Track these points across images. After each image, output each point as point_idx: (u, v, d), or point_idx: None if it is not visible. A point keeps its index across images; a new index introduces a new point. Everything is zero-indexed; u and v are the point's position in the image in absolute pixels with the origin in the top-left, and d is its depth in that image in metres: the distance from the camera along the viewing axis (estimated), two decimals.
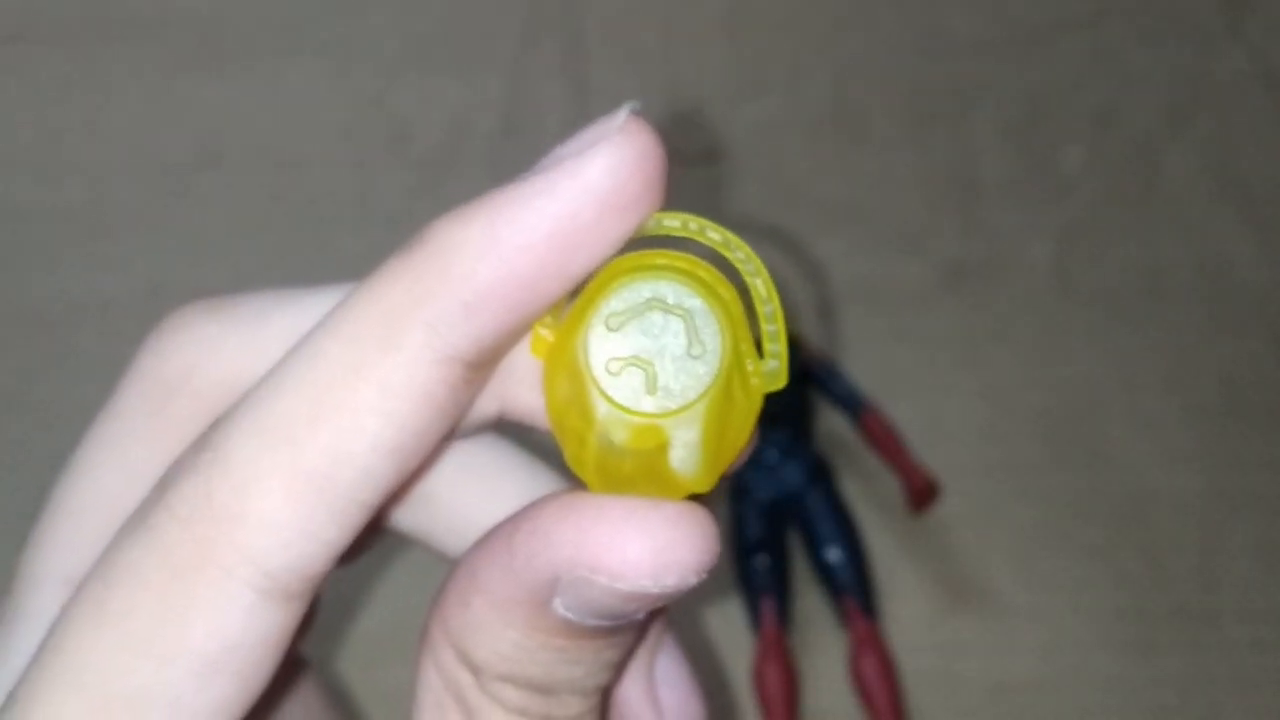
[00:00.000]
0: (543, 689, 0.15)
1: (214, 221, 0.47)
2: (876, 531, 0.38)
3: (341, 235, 0.46)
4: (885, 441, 0.39)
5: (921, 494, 0.38)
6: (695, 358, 0.15)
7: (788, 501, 0.37)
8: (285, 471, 0.14)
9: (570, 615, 0.15)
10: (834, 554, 0.36)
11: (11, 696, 0.15)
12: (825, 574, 0.36)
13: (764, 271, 0.16)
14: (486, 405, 0.18)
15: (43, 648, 0.15)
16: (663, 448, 0.15)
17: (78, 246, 0.46)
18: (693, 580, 0.14)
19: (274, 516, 0.15)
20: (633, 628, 0.16)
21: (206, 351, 0.18)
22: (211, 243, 0.46)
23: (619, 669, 0.16)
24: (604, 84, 0.51)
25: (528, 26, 0.53)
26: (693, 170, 0.48)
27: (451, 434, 0.17)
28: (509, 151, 0.49)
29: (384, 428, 0.15)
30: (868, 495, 0.39)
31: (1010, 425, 0.41)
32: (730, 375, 0.15)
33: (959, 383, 0.42)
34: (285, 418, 0.15)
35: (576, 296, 0.16)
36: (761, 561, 0.36)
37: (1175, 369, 0.42)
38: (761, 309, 0.16)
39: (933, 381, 0.42)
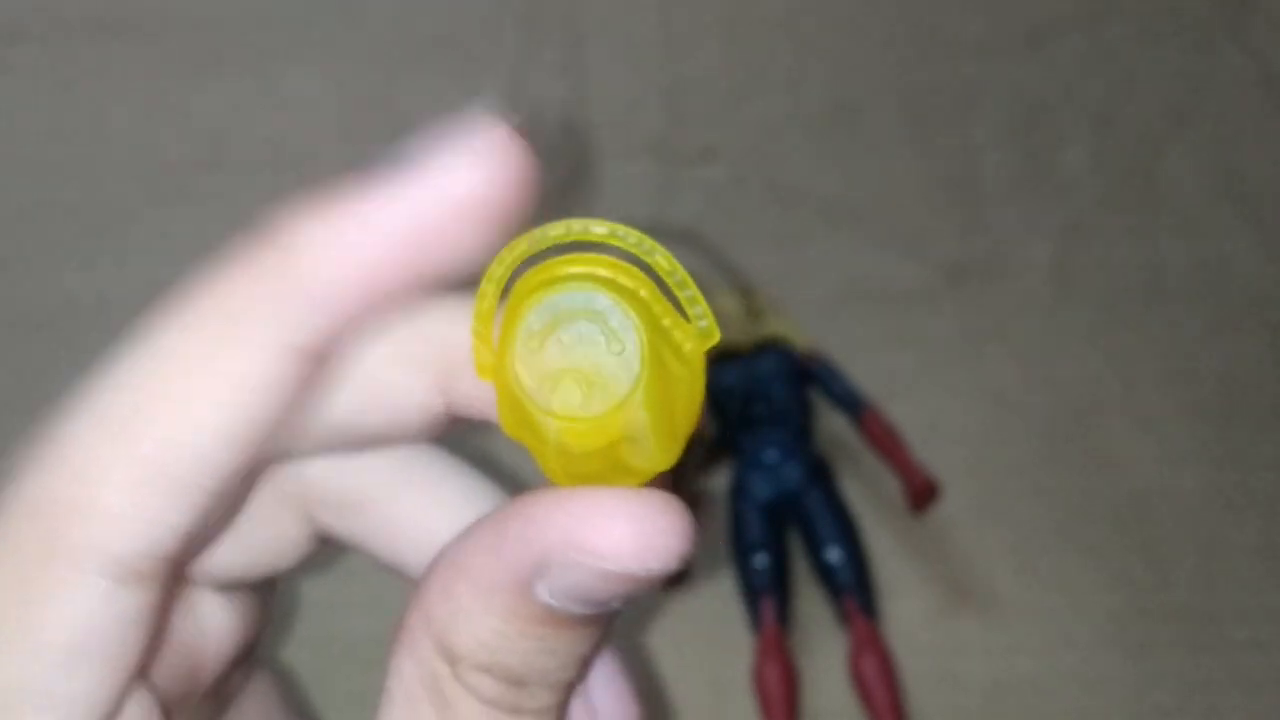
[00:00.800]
0: (517, 680, 0.16)
1: (214, 221, 0.47)
2: (876, 531, 0.38)
3: None
4: (885, 441, 0.39)
5: (921, 494, 0.38)
6: (617, 353, 0.16)
7: (788, 501, 0.37)
8: (123, 461, 0.15)
9: (552, 601, 0.15)
10: (834, 554, 0.36)
11: None
12: (825, 574, 0.36)
13: (658, 247, 0.16)
14: (431, 402, 0.18)
15: None
16: (617, 442, 0.15)
17: (78, 246, 0.46)
18: (671, 565, 0.15)
19: (115, 506, 0.15)
20: (604, 622, 0.16)
21: None
22: (211, 243, 0.46)
23: (587, 665, 0.17)
24: (604, 84, 0.51)
25: (528, 26, 0.53)
26: (693, 170, 0.48)
27: (297, 417, 0.17)
28: None
29: (222, 417, 0.15)
30: (868, 495, 0.39)
31: (1010, 425, 0.41)
32: (658, 353, 0.16)
33: (959, 383, 0.42)
34: (122, 408, 0.15)
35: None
36: (761, 561, 0.36)
37: (1175, 369, 0.42)
38: (671, 280, 0.16)
39: (933, 381, 0.42)
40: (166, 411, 0.15)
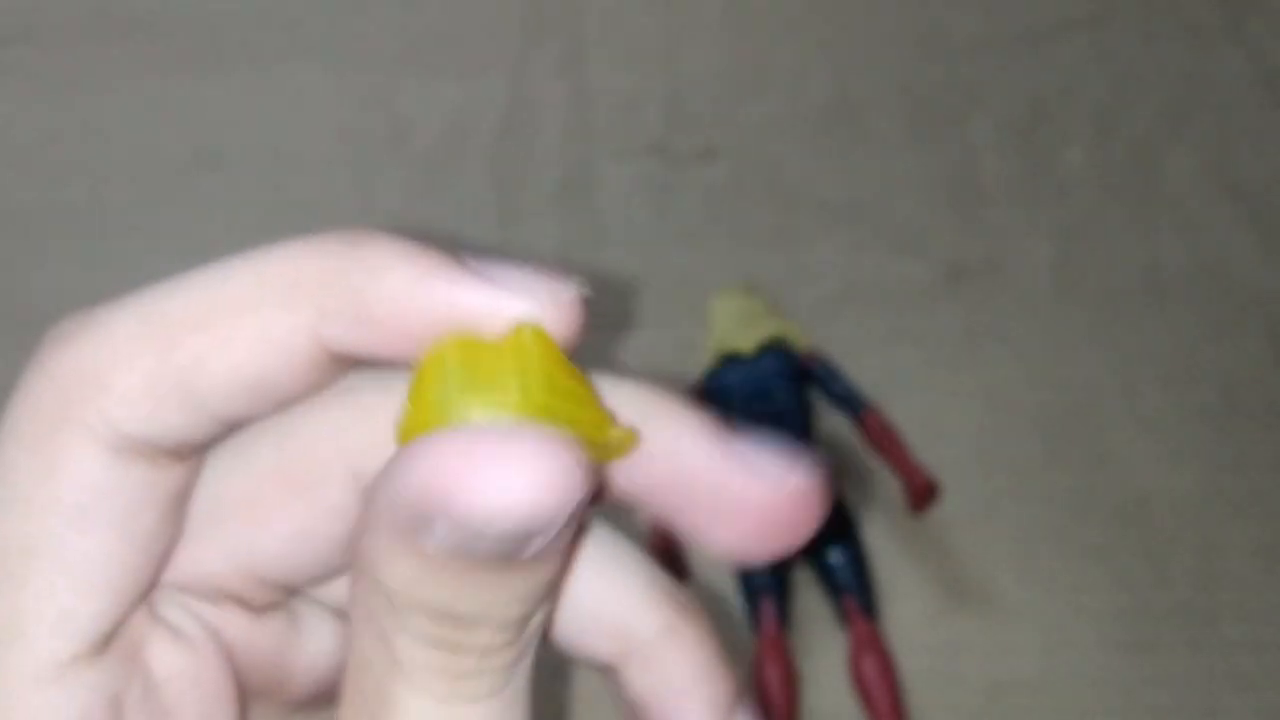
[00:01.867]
0: (450, 618, 0.15)
1: (214, 221, 0.47)
2: (876, 531, 0.38)
3: None
4: (885, 441, 0.39)
5: (921, 494, 0.38)
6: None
7: None
8: (154, 361, 0.16)
9: (444, 544, 0.14)
10: (834, 554, 0.36)
11: None
12: (825, 574, 0.36)
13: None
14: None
15: None
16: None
17: (78, 246, 0.46)
18: (546, 518, 0.14)
19: (134, 395, 0.16)
20: (539, 560, 0.15)
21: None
22: (211, 243, 0.46)
23: (541, 601, 0.15)
24: (604, 84, 0.51)
25: (528, 26, 0.53)
26: (693, 170, 0.48)
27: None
28: (509, 151, 0.49)
29: (246, 363, 0.16)
30: (868, 495, 0.39)
31: (1010, 425, 0.41)
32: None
33: (959, 383, 0.42)
34: (172, 318, 0.16)
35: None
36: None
37: (1175, 369, 0.42)
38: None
39: (933, 381, 0.42)
40: (205, 339, 0.16)
